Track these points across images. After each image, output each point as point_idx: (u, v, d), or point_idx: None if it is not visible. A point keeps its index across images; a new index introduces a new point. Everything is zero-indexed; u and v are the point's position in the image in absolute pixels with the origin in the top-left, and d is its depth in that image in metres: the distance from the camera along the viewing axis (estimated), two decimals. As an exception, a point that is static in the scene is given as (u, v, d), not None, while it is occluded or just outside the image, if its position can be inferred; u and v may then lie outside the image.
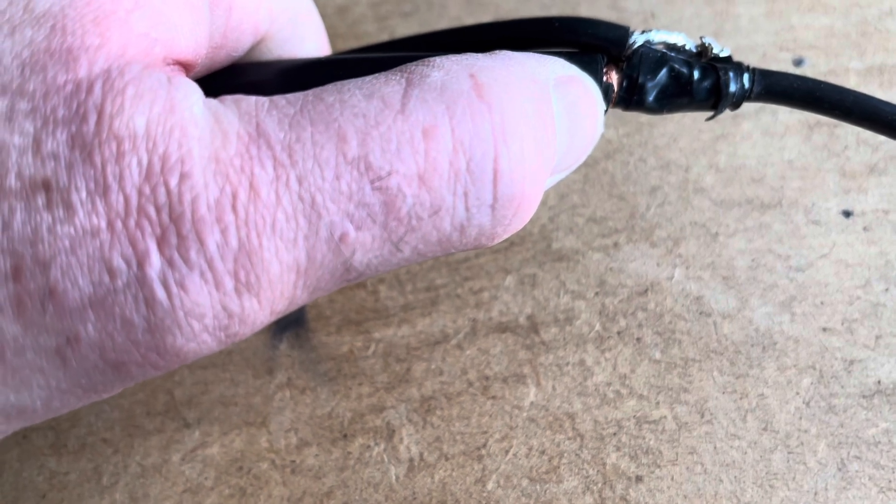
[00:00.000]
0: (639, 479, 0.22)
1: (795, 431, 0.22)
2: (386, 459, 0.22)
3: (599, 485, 0.22)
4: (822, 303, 0.24)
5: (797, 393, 0.23)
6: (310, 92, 0.14)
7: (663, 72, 0.18)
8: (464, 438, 0.23)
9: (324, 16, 0.30)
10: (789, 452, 0.22)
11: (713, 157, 0.26)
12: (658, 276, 0.24)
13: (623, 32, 0.18)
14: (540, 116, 0.15)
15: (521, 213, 0.15)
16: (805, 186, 0.25)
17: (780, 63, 0.28)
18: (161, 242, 0.12)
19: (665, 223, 0.25)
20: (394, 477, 0.22)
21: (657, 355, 0.23)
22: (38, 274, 0.12)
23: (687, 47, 0.19)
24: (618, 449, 0.22)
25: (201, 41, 0.15)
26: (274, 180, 0.13)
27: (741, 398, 0.23)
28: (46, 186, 0.12)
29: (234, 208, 0.13)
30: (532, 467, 0.22)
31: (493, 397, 0.23)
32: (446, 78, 0.14)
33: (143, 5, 0.14)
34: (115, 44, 0.13)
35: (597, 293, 0.24)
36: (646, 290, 0.24)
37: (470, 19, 0.30)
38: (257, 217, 0.13)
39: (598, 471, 0.22)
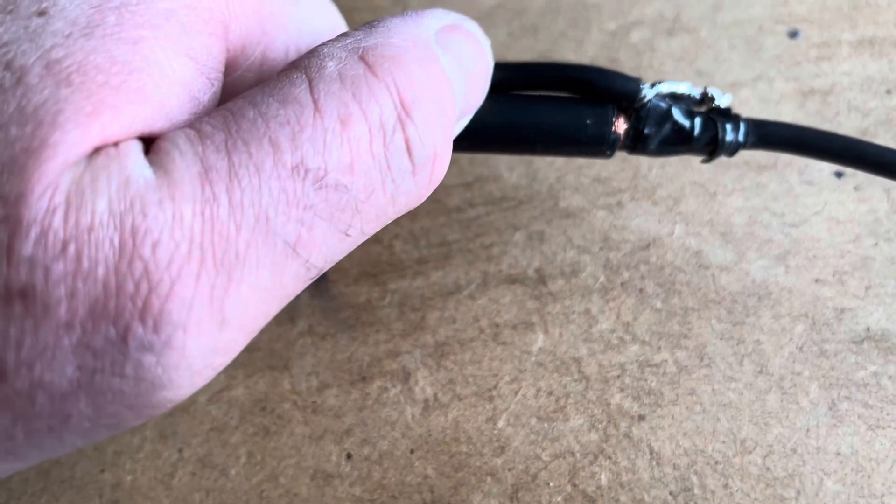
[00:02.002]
0: (641, 417, 0.23)
1: (789, 374, 0.23)
2: (402, 400, 0.24)
3: (604, 423, 0.23)
4: (814, 256, 0.25)
5: (791, 339, 0.24)
6: (226, 111, 0.14)
7: (667, 126, 0.20)
8: (475, 381, 0.24)
9: (342, -13, 0.31)
10: (783, 393, 0.23)
11: (712, 122, 0.27)
12: (659, 231, 0.26)
13: (635, 86, 0.20)
14: (432, 76, 0.16)
15: (438, 169, 0.16)
16: (799, 149, 0.27)
17: (776, 35, 0.29)
18: (143, 313, 0.12)
19: (666, 183, 0.26)
20: (410, 416, 0.24)
21: (658, 304, 0.25)
22: (24, 373, 0.12)
23: (691, 95, 0.20)
24: (621, 390, 0.23)
25: (187, 120, 0.15)
26: (230, 212, 0.13)
27: (738, 344, 0.24)
28: (23, 294, 0.12)
29: (202, 257, 0.13)
30: (540, 407, 0.23)
31: (504, 343, 0.24)
32: (341, 66, 0.15)
33: (146, 99, 0.13)
34: (100, 132, 0.13)
35: (601, 248, 0.26)
36: (648, 245, 0.26)
37: (480, -6, 0.31)
38: (225, 255, 0.13)
39: (602, 410, 0.23)
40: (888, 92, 0.28)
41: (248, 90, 0.18)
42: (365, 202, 0.15)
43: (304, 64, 0.15)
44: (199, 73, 0.15)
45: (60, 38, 0.13)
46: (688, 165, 0.27)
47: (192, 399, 0.24)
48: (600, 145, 0.20)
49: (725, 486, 0.22)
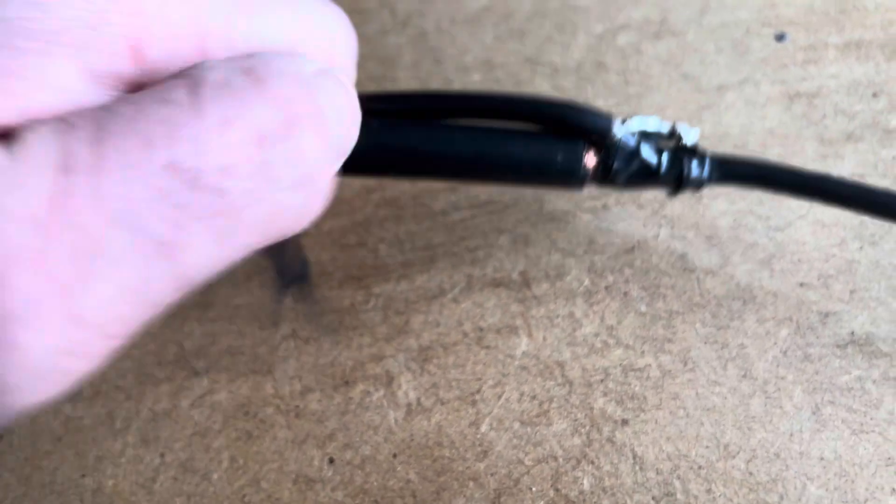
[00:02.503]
0: (625, 422, 0.23)
1: (773, 378, 0.23)
2: (385, 404, 0.24)
3: (587, 427, 0.23)
4: (799, 260, 0.25)
5: (775, 343, 0.24)
6: (102, 107, 0.14)
7: (636, 162, 0.21)
8: (459, 385, 0.24)
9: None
10: (767, 398, 0.23)
11: (698, 125, 0.27)
12: (644, 235, 0.26)
13: (607, 124, 0.20)
14: (313, 102, 0.16)
15: (322, 189, 0.16)
16: (785, 153, 0.27)
17: (763, 38, 0.29)
18: None
19: (651, 186, 0.26)
20: (393, 420, 0.23)
21: (643, 308, 0.25)
22: None
23: (660, 131, 0.21)
24: (605, 394, 0.23)
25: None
26: (92, 205, 0.12)
27: (722, 348, 0.24)
28: None
29: (54, 249, 0.12)
30: (523, 411, 0.23)
31: (487, 347, 0.24)
32: (226, 75, 0.14)
33: (16, 97, 0.13)
34: None
35: (586, 251, 0.26)
36: (632, 248, 0.26)
37: (467, -3, 0.31)
38: (80, 249, 0.12)
39: (586, 414, 0.23)
40: (874, 95, 0.28)
41: None
42: (244, 210, 0.14)
43: (188, 72, 0.15)
44: (89, 84, 0.14)
45: None
46: (673, 169, 0.27)
47: (174, 404, 0.24)
48: (571, 179, 0.21)
49: (708, 490, 0.22)
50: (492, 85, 0.29)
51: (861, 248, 0.25)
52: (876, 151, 0.26)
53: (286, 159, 0.15)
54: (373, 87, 0.29)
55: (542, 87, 0.29)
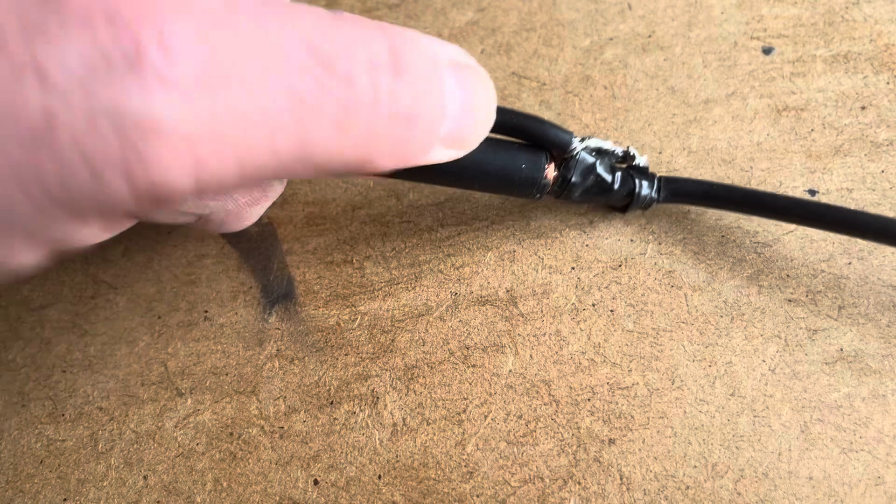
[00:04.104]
0: (611, 441, 0.23)
1: (761, 396, 0.23)
2: (370, 424, 0.23)
3: (574, 447, 0.23)
4: (787, 276, 0.25)
5: (763, 360, 0.24)
6: None
7: (591, 177, 0.23)
8: (445, 404, 0.24)
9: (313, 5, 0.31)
10: (755, 416, 0.23)
11: (685, 139, 0.27)
12: (631, 251, 0.26)
13: (568, 139, 0.22)
14: (431, 74, 0.17)
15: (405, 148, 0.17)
16: (773, 167, 0.27)
17: (750, 51, 0.29)
18: None
19: (639, 202, 0.26)
20: (378, 441, 0.23)
21: (630, 325, 0.24)
22: None
23: (615, 152, 0.23)
24: (591, 413, 0.23)
25: None
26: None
27: (710, 366, 0.24)
28: None
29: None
30: (510, 431, 0.23)
31: (473, 366, 0.24)
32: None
33: None
34: None
35: (573, 268, 0.25)
36: (619, 265, 0.25)
37: (454, 12, 0.31)
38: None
39: (572, 434, 0.23)
40: (863, 108, 0.27)
41: None
42: (357, 111, 0.16)
43: None
44: None
45: None
46: (660, 184, 0.27)
47: (158, 425, 0.24)
48: (531, 188, 0.22)
49: (696, 511, 0.22)
50: (479, 100, 0.29)
51: (849, 263, 0.25)
52: (864, 165, 0.26)
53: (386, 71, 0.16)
54: (359, 103, 0.29)
55: (528, 101, 0.29)
